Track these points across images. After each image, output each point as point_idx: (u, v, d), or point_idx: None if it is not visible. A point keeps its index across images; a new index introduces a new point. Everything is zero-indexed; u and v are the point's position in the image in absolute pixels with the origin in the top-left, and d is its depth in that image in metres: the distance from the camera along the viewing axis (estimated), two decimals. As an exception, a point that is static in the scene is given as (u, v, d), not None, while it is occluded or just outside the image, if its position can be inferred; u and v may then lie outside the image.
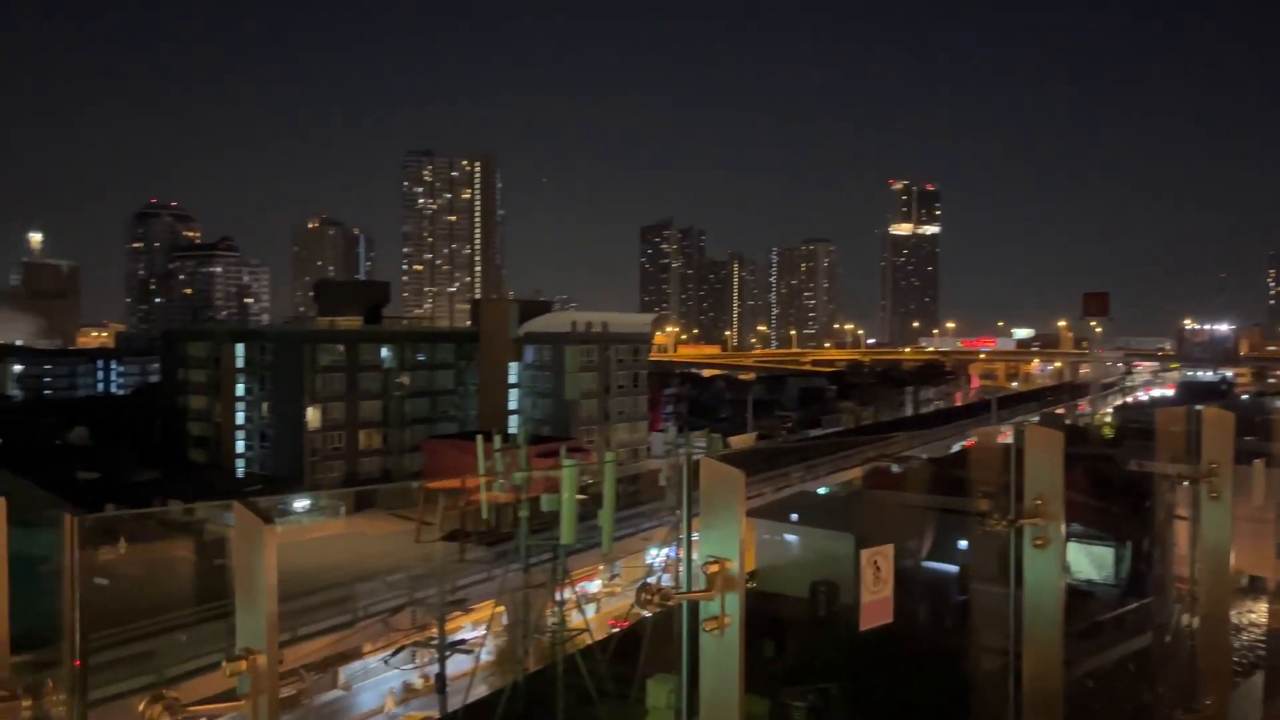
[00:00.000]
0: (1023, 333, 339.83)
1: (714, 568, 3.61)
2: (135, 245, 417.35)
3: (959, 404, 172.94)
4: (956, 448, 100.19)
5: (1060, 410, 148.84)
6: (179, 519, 65.41)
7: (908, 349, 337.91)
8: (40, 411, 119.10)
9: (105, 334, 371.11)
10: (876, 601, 5.91)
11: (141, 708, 3.19)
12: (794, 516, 33.52)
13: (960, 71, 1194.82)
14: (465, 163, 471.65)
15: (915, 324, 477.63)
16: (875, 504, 36.00)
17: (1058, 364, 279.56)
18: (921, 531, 27.05)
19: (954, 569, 25.15)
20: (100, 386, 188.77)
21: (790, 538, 33.17)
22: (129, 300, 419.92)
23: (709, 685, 3.72)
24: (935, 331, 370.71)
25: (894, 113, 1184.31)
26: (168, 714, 3.14)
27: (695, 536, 3.87)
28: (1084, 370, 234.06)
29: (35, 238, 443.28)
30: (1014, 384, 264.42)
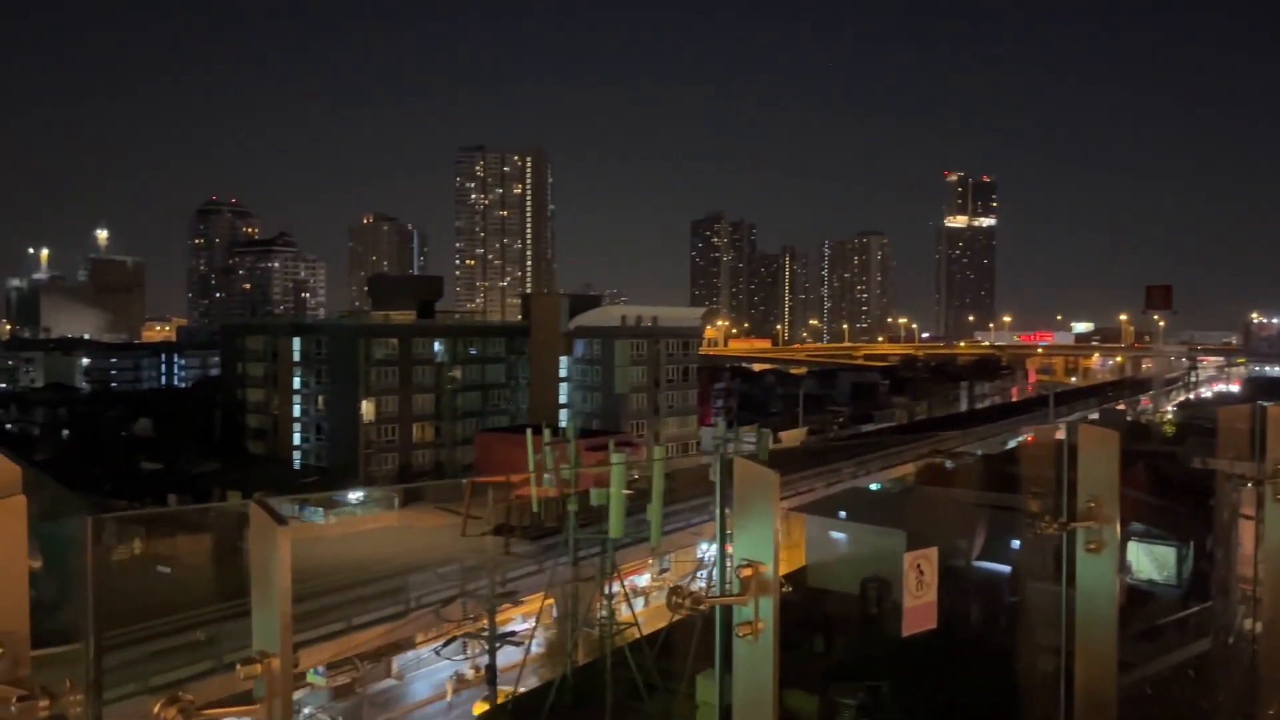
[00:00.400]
0: (1082, 326, 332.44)
1: (747, 571, 3.52)
2: (197, 241, 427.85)
3: (1015, 400, 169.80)
4: (1012, 444, 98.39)
5: (1121, 406, 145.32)
6: (238, 509, 66.98)
7: (962, 343, 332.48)
8: (107, 403, 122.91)
9: (168, 328, 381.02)
10: (920, 606, 5.69)
11: (156, 709, 3.19)
12: (843, 513, 33.22)
13: (1018, 61, 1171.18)
14: (517, 158, 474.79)
15: (970, 318, 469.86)
16: (927, 500, 35.51)
17: (1119, 359, 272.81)
18: (974, 530, 26.59)
19: (1006, 569, 24.67)
20: (163, 380, 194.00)
21: (841, 534, 32.88)
22: (191, 295, 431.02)
23: (743, 692, 3.62)
24: (991, 325, 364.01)
25: (949, 104, 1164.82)
26: (181, 716, 3.14)
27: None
28: (1146, 365, 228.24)
29: (102, 235, 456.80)
30: (1073, 379, 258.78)
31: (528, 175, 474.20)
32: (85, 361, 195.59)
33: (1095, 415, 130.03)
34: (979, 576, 25.02)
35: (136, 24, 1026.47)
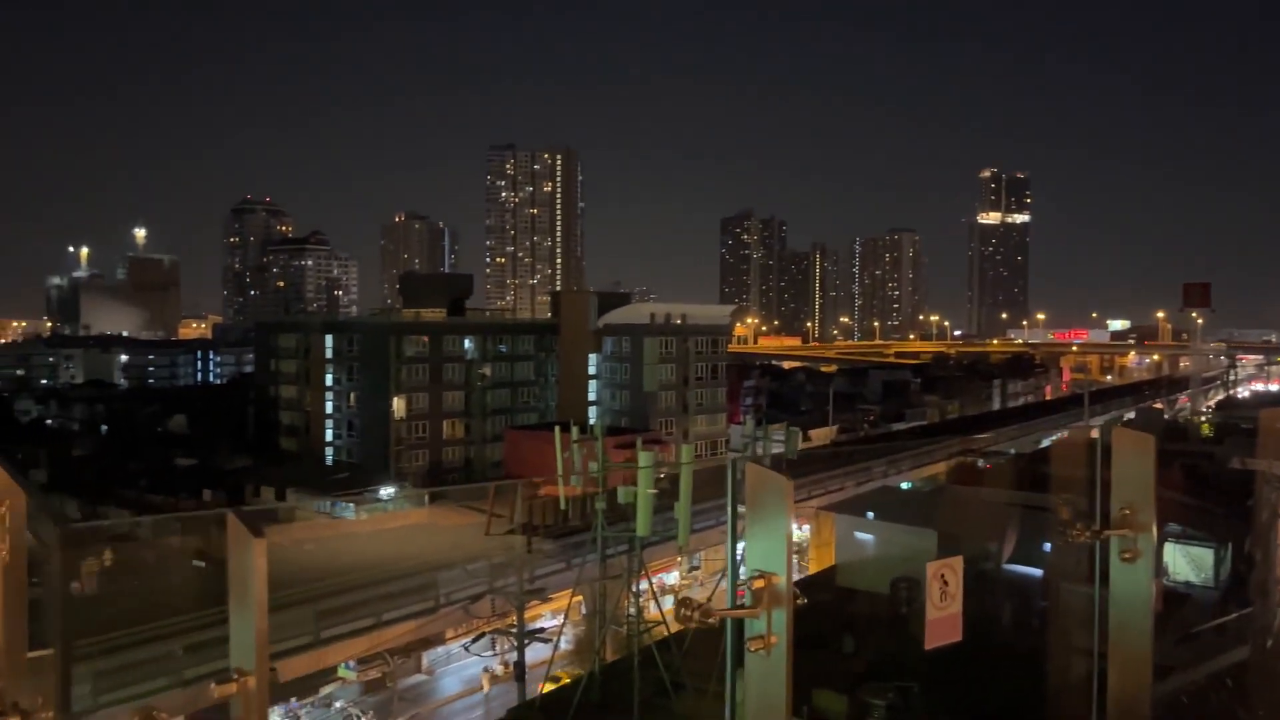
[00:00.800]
0: (1118, 324, 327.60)
1: (760, 583, 3.35)
2: (231, 240, 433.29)
3: (1048, 398, 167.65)
4: (1045, 443, 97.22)
5: (1158, 405, 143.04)
6: (280, 507, 67.71)
7: (995, 341, 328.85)
8: (144, 400, 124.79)
9: (204, 325, 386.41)
10: (944, 618, 5.37)
11: None
12: (873, 513, 32.94)
13: (1053, 56, 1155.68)
14: (547, 156, 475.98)
15: (1003, 315, 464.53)
16: (959, 500, 35.15)
17: (1155, 357, 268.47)
18: (1005, 531, 26.20)
19: (1038, 573, 24.22)
20: (199, 376, 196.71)
21: (871, 533, 32.58)
22: (226, 293, 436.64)
23: (754, 708, 3.44)
24: (1024, 323, 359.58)
25: (983, 100, 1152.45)
26: None
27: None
28: (1183, 364, 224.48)
29: (140, 233, 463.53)
30: (1108, 377, 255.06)
31: (558, 173, 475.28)
32: (123, 358, 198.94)
33: (1131, 414, 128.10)
34: (1010, 580, 24.63)
35: (175, 26, 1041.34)
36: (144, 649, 30.34)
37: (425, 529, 50.41)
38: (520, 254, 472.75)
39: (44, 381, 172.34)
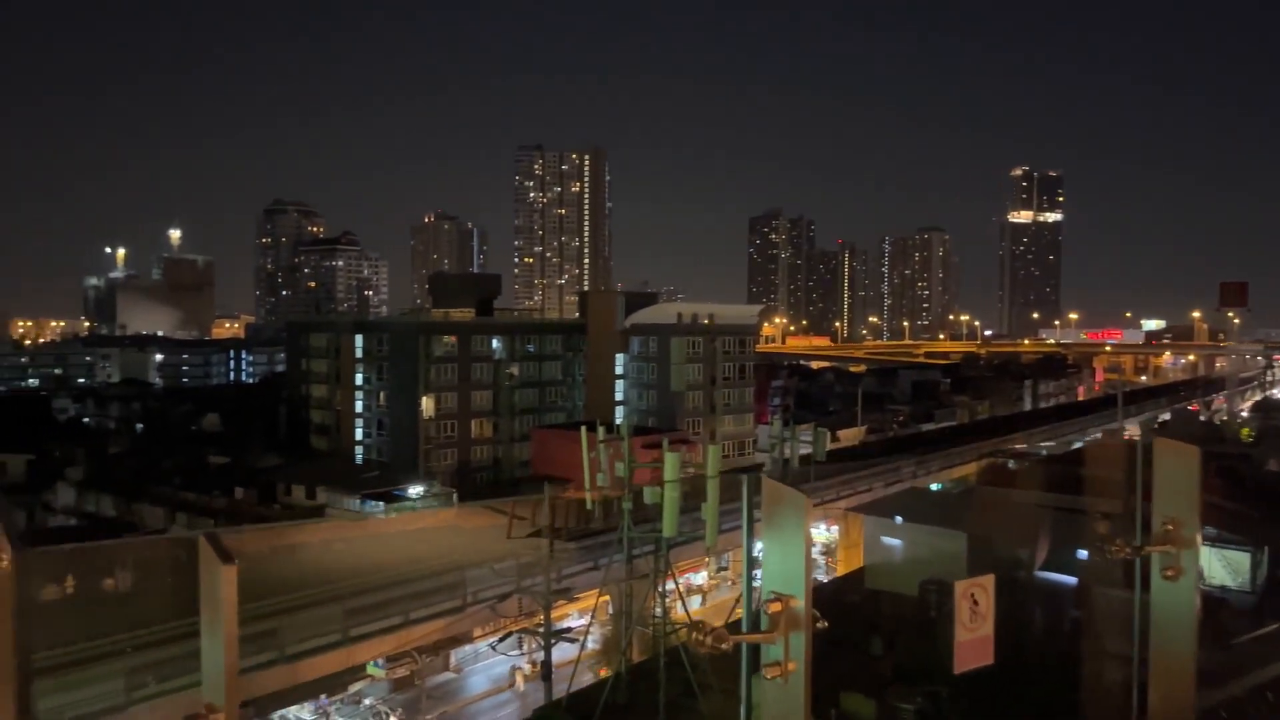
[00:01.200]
0: (1153, 324, 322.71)
1: (776, 606, 3.12)
2: (264, 241, 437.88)
3: (1081, 399, 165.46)
4: (1078, 445, 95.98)
5: (1193, 407, 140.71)
6: (302, 506, 68.36)
7: (1027, 341, 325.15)
8: (178, 399, 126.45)
9: (237, 325, 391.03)
10: (975, 641, 5.05)
11: None
12: (902, 515, 32.64)
13: (1086, 53, 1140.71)
14: (575, 156, 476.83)
15: (1035, 315, 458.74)
16: (989, 503, 34.71)
17: (1191, 357, 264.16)
18: (1037, 535, 25.77)
19: (1071, 581, 23.71)
20: (231, 375, 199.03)
21: (900, 535, 32.25)
22: (258, 293, 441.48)
23: None
24: (1057, 323, 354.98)
25: (1014, 98, 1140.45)
26: None
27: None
28: (1220, 364, 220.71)
29: (174, 234, 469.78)
30: (1142, 378, 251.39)
31: (586, 173, 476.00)
32: (158, 358, 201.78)
33: (1166, 416, 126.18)
34: (1042, 587, 24.16)
35: (211, 29, 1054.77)
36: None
37: (450, 530, 50.60)
38: (548, 254, 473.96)
39: (81, 380, 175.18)
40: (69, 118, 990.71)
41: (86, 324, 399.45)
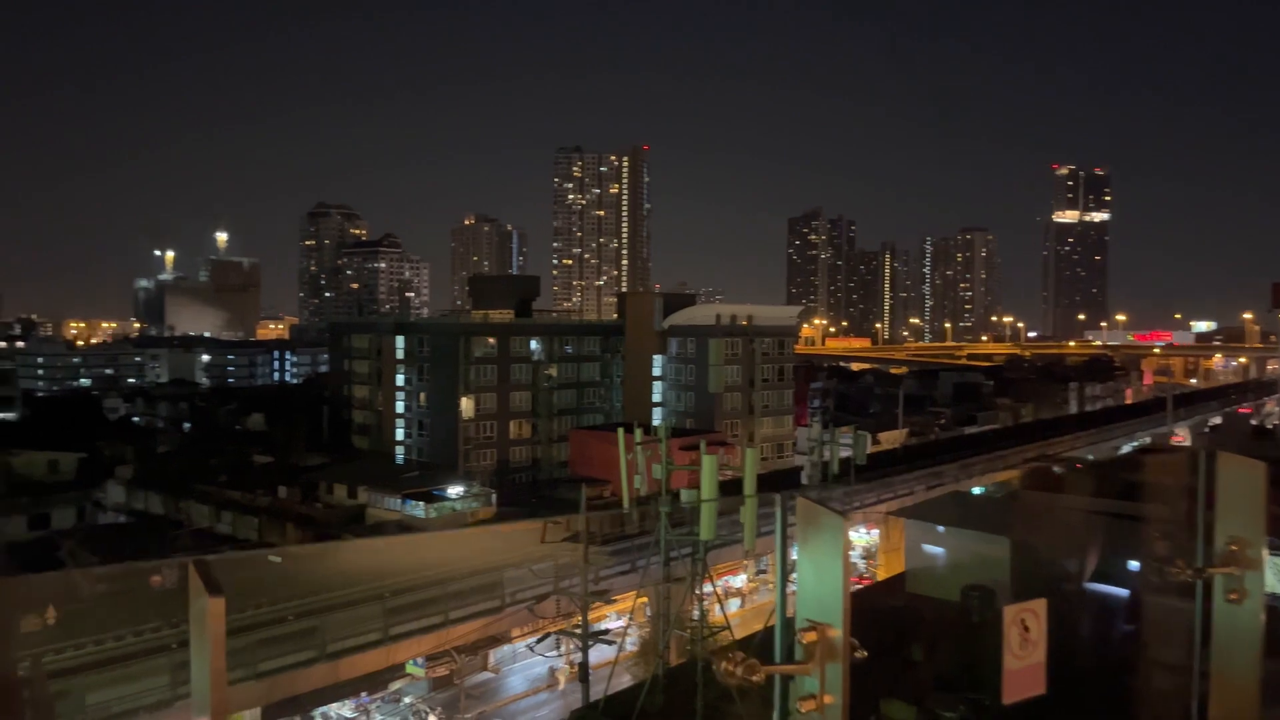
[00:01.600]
0: (1203, 326, 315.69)
1: (811, 636, 2.93)
2: (308, 243, 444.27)
3: (1129, 402, 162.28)
4: (1126, 448, 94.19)
5: (1245, 410, 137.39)
6: (344, 505, 69.15)
7: (1072, 343, 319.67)
8: (224, 398, 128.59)
9: (281, 326, 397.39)
10: (1025, 670, 4.74)
11: None
12: (944, 519, 32.14)
13: (1131, 47, 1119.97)
14: (614, 158, 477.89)
15: (1081, 316, 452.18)
16: (1034, 507, 34.08)
17: (1242, 359, 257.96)
18: (1085, 543, 25.18)
19: (1122, 593, 23.04)
20: (276, 376, 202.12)
21: (942, 539, 31.80)
22: (302, 294, 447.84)
23: None
24: (1103, 324, 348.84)
25: (1059, 94, 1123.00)
26: None
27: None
28: (1271, 366, 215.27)
29: (221, 237, 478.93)
30: (1192, 381, 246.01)
31: (624, 175, 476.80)
32: (205, 358, 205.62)
33: (1217, 419, 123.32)
34: (1091, 598, 23.54)
35: (254, 38, 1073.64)
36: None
37: (489, 532, 50.91)
38: (587, 255, 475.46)
39: (131, 380, 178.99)
40: (121, 124, 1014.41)
41: (137, 325, 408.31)
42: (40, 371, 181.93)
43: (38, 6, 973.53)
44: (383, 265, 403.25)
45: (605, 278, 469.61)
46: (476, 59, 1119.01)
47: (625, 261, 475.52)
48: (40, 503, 69.58)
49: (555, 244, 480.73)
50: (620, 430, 26.38)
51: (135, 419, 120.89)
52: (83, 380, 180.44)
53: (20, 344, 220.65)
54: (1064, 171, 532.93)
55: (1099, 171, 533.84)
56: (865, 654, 3.02)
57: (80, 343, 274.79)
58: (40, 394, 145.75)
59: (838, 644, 2.99)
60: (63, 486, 74.97)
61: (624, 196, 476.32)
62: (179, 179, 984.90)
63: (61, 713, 24.84)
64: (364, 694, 40.98)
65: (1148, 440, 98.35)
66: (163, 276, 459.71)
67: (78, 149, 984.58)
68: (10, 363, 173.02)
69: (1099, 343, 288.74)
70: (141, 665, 29.58)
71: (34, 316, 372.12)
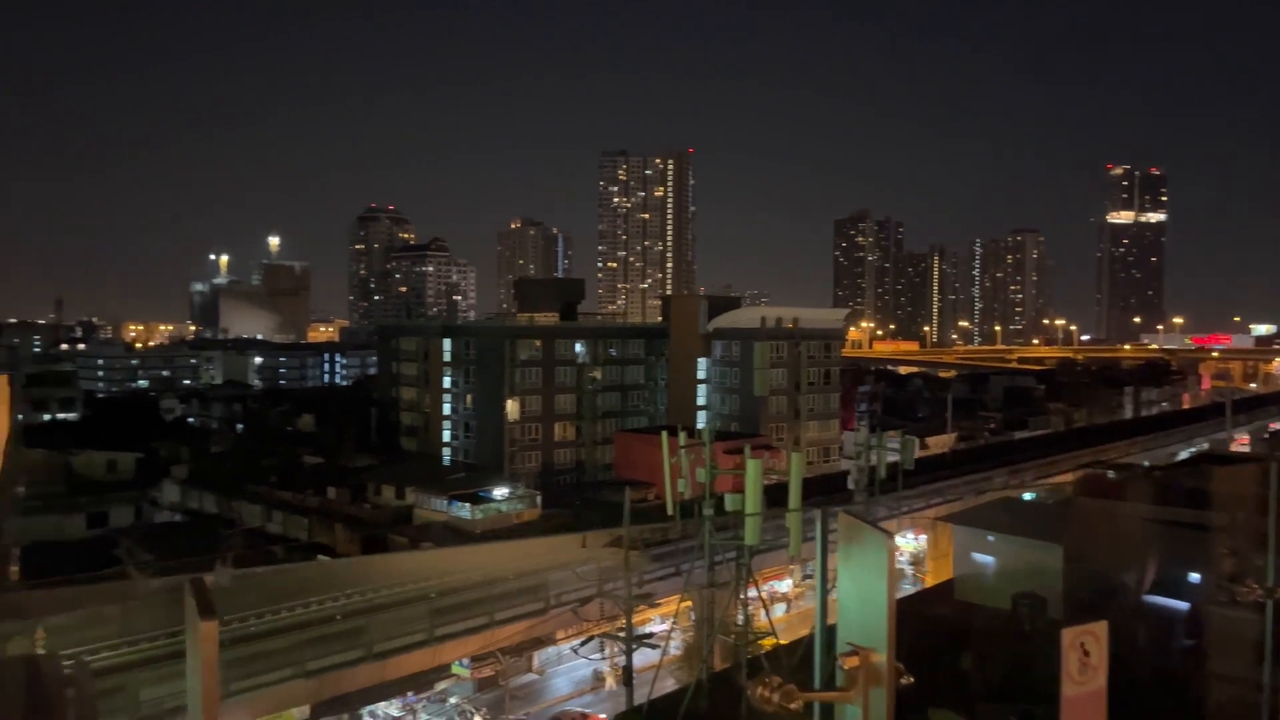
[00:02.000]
0: (1263, 329, 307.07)
1: (853, 661, 2.71)
2: (357, 247, 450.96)
3: (1187, 407, 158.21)
4: (1184, 454, 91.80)
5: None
6: (392, 506, 69.85)
7: (1127, 346, 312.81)
8: (275, 400, 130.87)
9: (331, 329, 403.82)
10: (1084, 695, 4.45)
11: None
12: (993, 525, 31.53)
13: (1188, 43, 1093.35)
14: (658, 161, 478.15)
15: (1136, 319, 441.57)
16: (1088, 515, 33.30)
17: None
18: (1142, 553, 24.48)
19: (1182, 606, 22.28)
20: (326, 378, 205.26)
21: (992, 545, 31.21)
22: (351, 298, 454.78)
23: None
24: (1160, 327, 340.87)
25: (1112, 92, 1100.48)
26: None
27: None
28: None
29: (274, 241, 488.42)
30: (1252, 385, 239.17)
31: (669, 178, 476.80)
32: (258, 360, 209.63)
33: (1277, 425, 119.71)
34: (1150, 611, 22.83)
35: (306, 47, 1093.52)
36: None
37: (527, 542, 51.13)
38: (631, 258, 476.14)
39: (187, 382, 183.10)
40: (176, 131, 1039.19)
41: (192, 327, 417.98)
42: (100, 373, 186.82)
43: (106, 11, 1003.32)
44: (430, 269, 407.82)
45: (650, 280, 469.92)
46: (521, 61, 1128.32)
47: (670, 264, 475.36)
48: (99, 501, 71.38)
49: (600, 247, 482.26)
50: (664, 434, 26.26)
51: (190, 420, 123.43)
52: (141, 381, 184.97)
53: (81, 346, 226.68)
54: (1118, 172, 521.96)
55: (1155, 171, 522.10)
56: (911, 680, 2.82)
57: (139, 345, 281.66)
58: (100, 395, 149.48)
59: (882, 670, 2.77)
60: (121, 485, 76.77)
61: (669, 200, 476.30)
62: (233, 184, 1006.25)
63: (116, 708, 25.41)
64: (410, 694, 41.34)
65: (1205, 446, 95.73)
66: (217, 280, 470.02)
67: (134, 157, 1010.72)
68: (72, 364, 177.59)
69: (1155, 346, 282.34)
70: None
71: (95, 319, 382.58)
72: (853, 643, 2.80)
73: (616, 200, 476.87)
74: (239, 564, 48.98)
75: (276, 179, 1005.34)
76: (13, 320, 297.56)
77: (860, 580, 2.80)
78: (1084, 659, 4.40)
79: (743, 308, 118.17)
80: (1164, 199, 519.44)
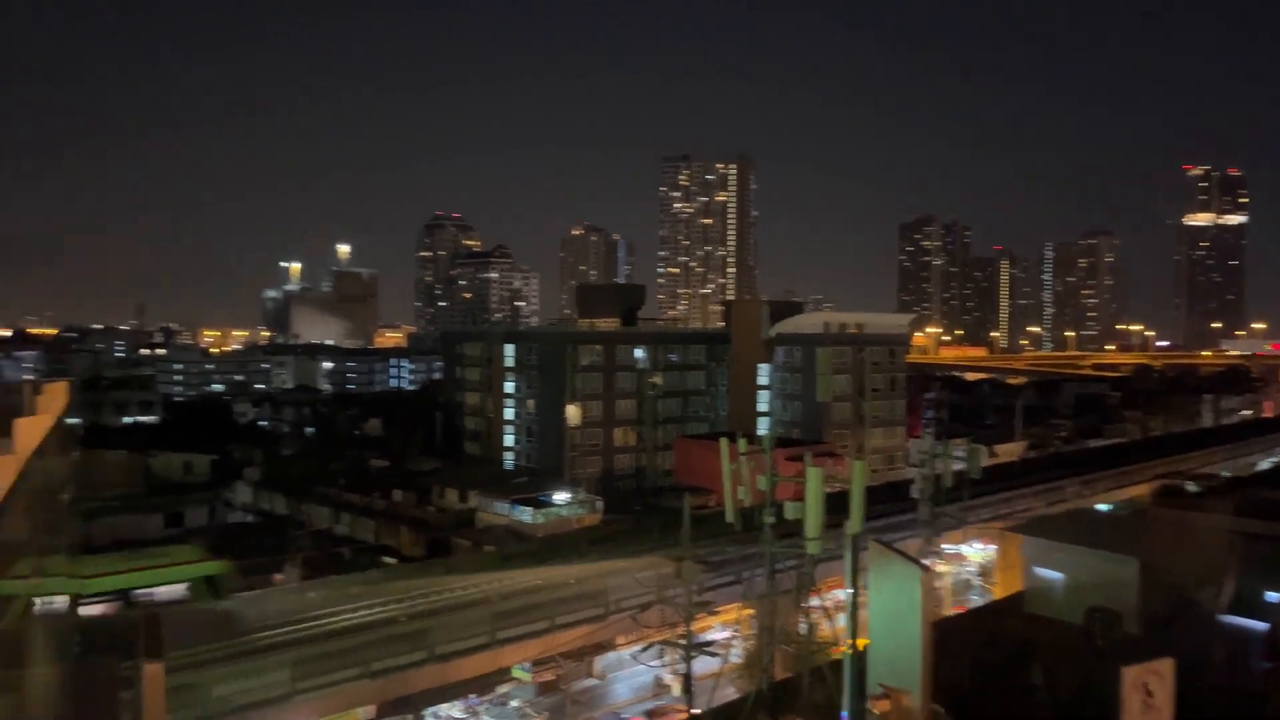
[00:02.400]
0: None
1: (884, 705, 2.40)
2: (424, 254, 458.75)
3: (1269, 416, 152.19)
4: (1265, 465, 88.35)
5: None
6: (455, 509, 70.74)
7: (1206, 352, 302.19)
8: (344, 404, 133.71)
9: (399, 335, 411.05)
10: None
11: None
12: (1064, 536, 30.68)
13: (1270, 39, 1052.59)
14: (721, 166, 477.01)
15: (1215, 324, 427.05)
16: (1165, 527, 32.20)
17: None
18: (1220, 568, 23.53)
19: (1262, 626, 21.27)
20: (393, 382, 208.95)
21: (1064, 557, 30.37)
22: (418, 304, 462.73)
23: None
24: (1239, 332, 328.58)
25: (1190, 91, 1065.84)
26: None
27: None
28: None
29: (343, 249, 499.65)
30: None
31: (731, 183, 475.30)
32: (327, 365, 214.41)
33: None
34: (1227, 631, 21.89)
35: (377, 59, 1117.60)
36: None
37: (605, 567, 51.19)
38: (693, 264, 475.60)
39: (259, 386, 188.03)
40: (254, 141, 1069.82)
41: (265, 333, 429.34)
42: (178, 377, 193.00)
43: (181, 18, 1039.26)
44: (494, 275, 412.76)
45: (711, 286, 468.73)
46: (584, 70, 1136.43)
47: (731, 269, 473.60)
48: (176, 501, 73.72)
49: (661, 252, 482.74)
50: (723, 440, 26.11)
51: (262, 423, 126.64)
52: (215, 386, 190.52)
53: (161, 351, 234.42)
54: (1197, 172, 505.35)
55: (1234, 172, 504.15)
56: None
57: (214, 350, 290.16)
58: (178, 399, 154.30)
59: (916, 712, 2.51)
60: (196, 486, 79.22)
61: (730, 205, 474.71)
62: (304, 193, 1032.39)
63: (190, 703, 26.16)
64: (473, 696, 41.74)
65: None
66: (289, 287, 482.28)
67: (210, 168, 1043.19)
68: (151, 369, 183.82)
69: (1235, 352, 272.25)
70: (263, 661, 30.86)
71: (173, 325, 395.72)
72: (884, 685, 2.60)
73: (678, 205, 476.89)
74: (307, 565, 50.12)
75: (347, 187, 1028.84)
76: (97, 326, 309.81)
77: (890, 615, 2.62)
78: (1147, 699, 4.05)
79: (805, 313, 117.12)
80: (1244, 200, 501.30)
